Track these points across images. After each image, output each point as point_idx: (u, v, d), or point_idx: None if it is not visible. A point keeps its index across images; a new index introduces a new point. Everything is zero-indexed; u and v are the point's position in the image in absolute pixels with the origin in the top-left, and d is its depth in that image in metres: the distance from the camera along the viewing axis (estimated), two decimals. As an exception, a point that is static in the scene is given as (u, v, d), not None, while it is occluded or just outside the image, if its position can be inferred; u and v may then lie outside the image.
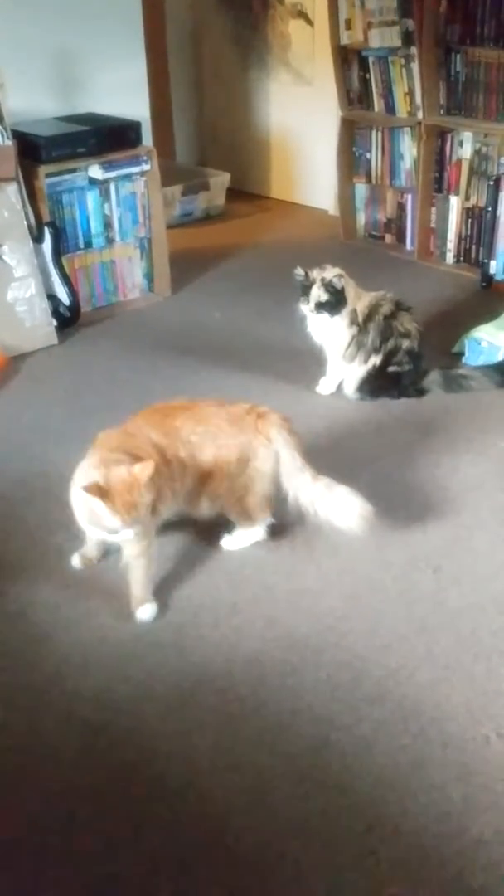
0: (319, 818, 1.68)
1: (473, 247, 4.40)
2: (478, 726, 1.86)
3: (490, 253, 4.23)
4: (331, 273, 3.04)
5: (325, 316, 3.06)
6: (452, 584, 2.28)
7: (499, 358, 3.33)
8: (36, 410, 3.21)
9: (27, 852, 1.65)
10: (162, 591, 2.25)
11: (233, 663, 2.04)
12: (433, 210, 4.52)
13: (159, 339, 3.75)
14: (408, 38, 4.28)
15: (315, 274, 3.04)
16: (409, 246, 4.70)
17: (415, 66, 4.27)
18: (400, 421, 3.09)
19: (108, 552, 2.33)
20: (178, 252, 4.38)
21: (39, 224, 3.66)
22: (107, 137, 3.81)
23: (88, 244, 3.93)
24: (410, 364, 3.16)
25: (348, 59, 4.60)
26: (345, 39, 4.56)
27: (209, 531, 2.42)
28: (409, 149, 4.53)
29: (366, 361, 3.15)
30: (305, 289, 3.05)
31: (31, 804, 1.73)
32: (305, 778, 1.76)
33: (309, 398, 3.23)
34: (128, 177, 3.92)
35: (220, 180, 5.37)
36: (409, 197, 4.63)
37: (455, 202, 4.41)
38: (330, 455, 2.72)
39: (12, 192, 3.51)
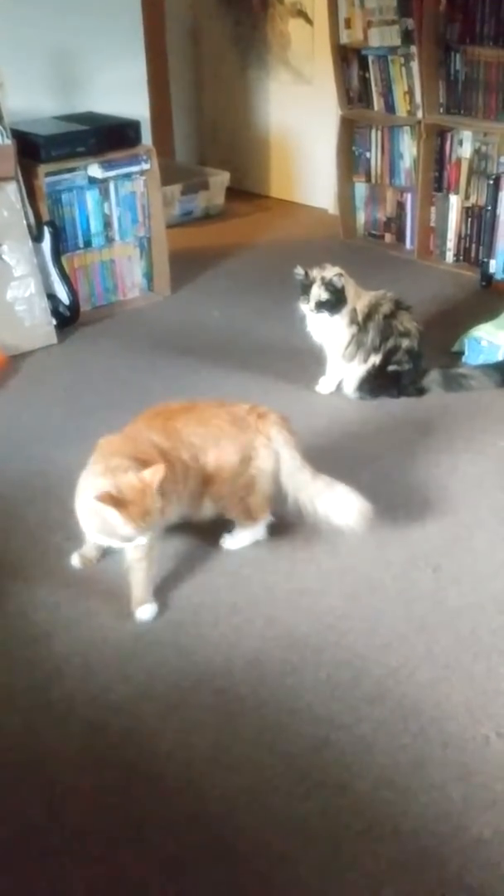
0: (319, 817, 1.68)
1: (473, 246, 4.40)
2: (478, 726, 1.86)
3: (490, 252, 4.23)
4: (331, 272, 3.04)
5: (325, 315, 3.06)
6: (452, 583, 2.28)
7: (498, 357, 3.33)
8: (35, 410, 3.21)
9: (27, 852, 1.65)
10: (162, 590, 2.25)
11: (232, 662, 2.04)
12: (433, 209, 4.52)
13: (159, 338, 3.75)
14: (407, 37, 4.28)
15: (315, 273, 3.04)
16: (408, 245, 4.69)
17: (414, 65, 4.27)
18: (399, 420, 3.09)
19: (108, 552, 2.33)
20: (178, 251, 4.38)
21: (39, 223, 3.66)
22: (106, 137, 3.81)
23: (88, 243, 3.93)
24: (410, 363, 3.16)
25: (348, 58, 4.60)
26: (344, 38, 4.56)
27: (209, 531, 2.42)
28: (408, 148, 4.53)
29: (365, 360, 3.15)
30: (305, 288, 3.05)
31: (31, 804, 1.73)
32: (305, 777, 1.76)
33: (309, 397, 3.23)
34: (127, 176, 3.92)
35: (220, 179, 5.37)
36: (408, 196, 4.63)
37: (455, 201, 4.41)
38: (329, 454, 2.72)
39: (12, 191, 3.51)
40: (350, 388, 3.22)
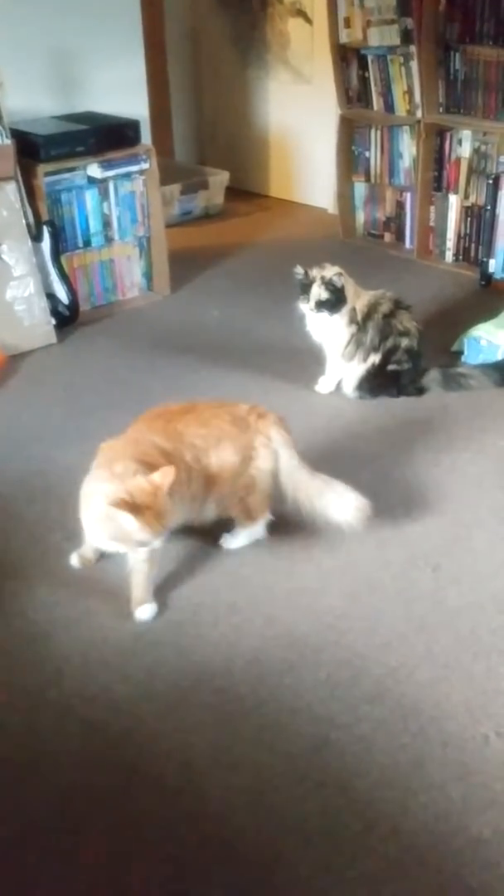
0: (319, 817, 1.68)
1: (472, 245, 4.40)
2: (477, 725, 1.86)
3: (489, 251, 4.23)
4: (330, 271, 3.04)
5: (324, 314, 3.06)
6: (451, 583, 2.28)
7: (498, 356, 3.33)
8: (35, 409, 3.21)
9: (27, 852, 1.65)
10: (161, 590, 2.25)
11: (232, 662, 2.04)
12: (432, 209, 4.52)
13: (158, 337, 3.75)
14: (407, 37, 4.28)
15: (315, 272, 3.04)
16: (408, 244, 4.69)
17: (414, 65, 4.27)
18: (399, 419, 3.09)
19: (107, 553, 2.32)
20: (177, 251, 4.38)
21: (38, 223, 3.66)
22: (106, 136, 3.80)
23: (87, 243, 3.93)
24: (409, 363, 3.16)
25: (347, 57, 4.60)
26: (344, 38, 4.55)
27: (208, 531, 2.42)
28: (408, 147, 4.53)
29: (365, 360, 3.15)
30: (305, 287, 3.05)
31: (31, 804, 1.73)
32: (305, 777, 1.76)
33: (308, 397, 3.23)
34: (127, 175, 3.92)
35: (219, 179, 5.37)
36: (408, 195, 4.63)
37: (454, 200, 4.41)
38: (329, 453, 2.73)
39: (11, 190, 3.51)
40: (349, 387, 3.22)
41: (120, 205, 3.95)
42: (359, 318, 3.11)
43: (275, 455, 2.30)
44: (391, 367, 3.16)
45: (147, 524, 1.94)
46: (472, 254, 4.40)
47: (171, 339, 3.73)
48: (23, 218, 3.56)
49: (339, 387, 3.25)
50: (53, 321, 3.72)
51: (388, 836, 1.64)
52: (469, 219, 4.38)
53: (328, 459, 2.58)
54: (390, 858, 1.60)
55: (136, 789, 1.75)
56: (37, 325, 3.66)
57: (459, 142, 4.30)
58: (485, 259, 4.25)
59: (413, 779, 1.74)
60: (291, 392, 3.23)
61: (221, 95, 5.77)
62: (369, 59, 4.49)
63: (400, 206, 4.71)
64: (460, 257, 4.48)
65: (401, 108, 4.47)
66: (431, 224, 4.55)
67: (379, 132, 4.63)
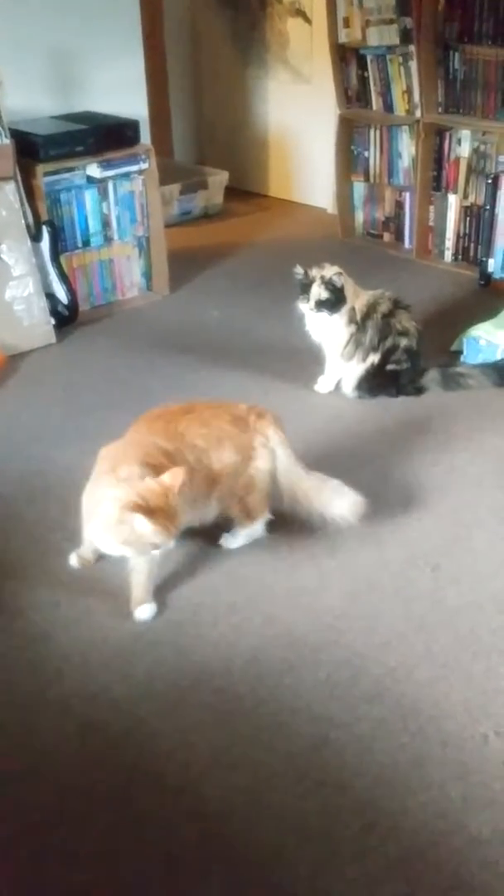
0: (318, 817, 1.68)
1: (472, 245, 4.40)
2: (476, 725, 1.86)
3: (488, 251, 4.23)
4: (330, 271, 3.04)
5: (324, 314, 3.06)
6: (451, 583, 2.29)
7: (497, 356, 3.33)
8: (34, 409, 3.21)
9: (26, 852, 1.65)
10: (161, 590, 2.25)
11: (231, 662, 2.04)
12: (431, 208, 4.52)
13: (158, 337, 3.75)
14: (406, 36, 4.28)
15: (314, 272, 3.04)
16: (407, 244, 4.69)
17: (413, 64, 4.27)
18: (398, 419, 3.09)
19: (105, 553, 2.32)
20: (177, 251, 4.38)
21: (37, 223, 3.66)
22: (105, 136, 3.80)
23: (86, 243, 3.93)
24: (409, 362, 3.16)
25: (346, 57, 4.60)
26: (343, 38, 4.55)
27: (207, 530, 2.42)
28: (407, 147, 4.53)
29: (364, 360, 3.15)
30: (305, 287, 3.05)
31: (31, 803, 1.73)
32: (304, 776, 1.76)
33: (307, 397, 3.23)
34: (126, 175, 3.92)
35: (219, 179, 5.37)
36: (407, 195, 4.63)
37: (453, 200, 4.41)
38: (328, 453, 2.73)
39: (10, 190, 3.51)
40: (349, 387, 3.22)
41: (119, 205, 3.95)
42: (358, 317, 3.11)
43: (273, 454, 2.31)
44: (390, 366, 3.16)
45: (161, 526, 1.93)
46: (472, 253, 4.40)
47: (170, 338, 3.73)
48: (22, 218, 3.56)
49: (338, 386, 3.25)
50: (53, 321, 3.72)
51: (388, 835, 1.64)
52: (468, 218, 4.38)
53: (327, 459, 2.59)
54: (390, 857, 1.60)
55: (136, 789, 1.75)
56: (36, 325, 3.66)
57: (458, 141, 4.30)
58: (484, 259, 4.25)
59: (412, 778, 1.75)
60: (291, 392, 3.23)
61: (221, 95, 5.77)
62: (368, 58, 4.49)
63: (399, 205, 4.71)
64: (459, 257, 4.48)
65: (400, 107, 4.47)
66: (430, 224, 4.55)
67: (378, 132, 4.63)
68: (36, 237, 3.65)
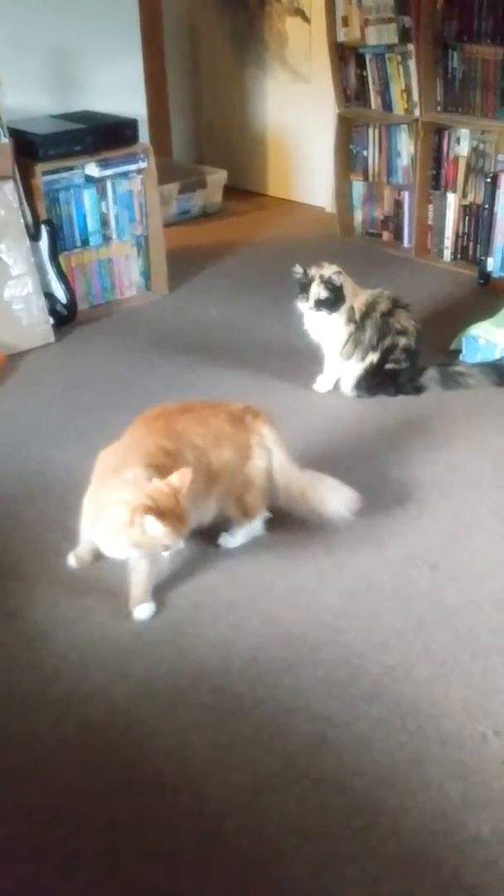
0: (317, 815, 1.68)
1: (471, 244, 4.40)
2: (475, 724, 1.86)
3: (487, 250, 4.23)
4: (329, 270, 3.04)
5: (323, 313, 3.06)
6: (450, 582, 2.29)
7: (496, 355, 3.33)
8: (33, 409, 3.21)
9: (26, 851, 1.65)
10: (160, 589, 2.25)
11: (230, 661, 2.04)
12: (430, 207, 4.52)
13: (156, 337, 3.75)
14: (405, 35, 4.27)
15: (313, 271, 3.04)
16: (406, 243, 4.69)
17: (412, 63, 4.27)
18: (397, 418, 3.09)
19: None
20: (175, 250, 4.37)
21: (36, 222, 3.66)
22: (104, 135, 3.80)
23: (85, 242, 3.93)
24: (407, 361, 3.16)
25: (345, 56, 4.60)
26: (342, 37, 4.55)
27: (206, 529, 2.42)
28: (406, 146, 4.53)
29: (363, 359, 3.15)
30: (304, 286, 3.05)
31: (30, 803, 1.73)
32: (303, 776, 1.76)
33: (306, 396, 3.23)
34: (125, 175, 3.92)
35: (217, 178, 5.36)
36: (406, 194, 4.63)
37: (452, 199, 4.41)
38: (327, 452, 2.73)
39: (9, 190, 3.50)
40: (348, 386, 3.22)
41: (118, 204, 3.95)
42: (357, 316, 3.11)
43: (268, 453, 2.32)
44: (389, 365, 3.16)
45: (172, 527, 1.93)
46: (471, 252, 4.40)
47: (169, 338, 3.73)
48: (21, 217, 3.56)
49: (337, 386, 3.25)
50: (51, 320, 3.72)
51: (387, 834, 1.64)
52: (467, 217, 4.38)
53: (326, 458, 2.59)
54: (389, 857, 1.60)
55: (135, 788, 1.75)
56: (35, 325, 3.65)
57: (457, 140, 4.30)
58: (483, 257, 4.25)
59: (411, 777, 1.75)
60: (289, 391, 3.23)
61: (219, 94, 5.77)
62: (367, 57, 4.49)
63: (398, 204, 4.71)
64: (458, 256, 4.48)
65: (399, 106, 4.47)
66: (430, 223, 4.55)
67: (377, 131, 4.63)
68: (35, 236, 3.65)
